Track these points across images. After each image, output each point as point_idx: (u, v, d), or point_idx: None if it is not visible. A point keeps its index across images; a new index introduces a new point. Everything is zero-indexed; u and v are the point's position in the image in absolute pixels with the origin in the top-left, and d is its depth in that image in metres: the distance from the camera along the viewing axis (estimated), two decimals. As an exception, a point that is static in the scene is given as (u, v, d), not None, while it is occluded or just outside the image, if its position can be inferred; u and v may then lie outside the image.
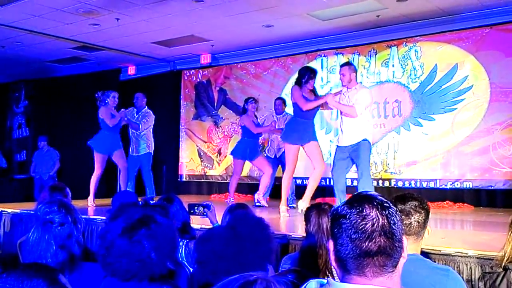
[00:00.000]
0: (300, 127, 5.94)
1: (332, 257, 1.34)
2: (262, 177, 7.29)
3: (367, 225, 1.28)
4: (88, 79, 10.88)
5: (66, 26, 7.85)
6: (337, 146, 5.90)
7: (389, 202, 1.34)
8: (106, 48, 9.12)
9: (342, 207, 1.34)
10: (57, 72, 11.17)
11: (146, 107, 7.82)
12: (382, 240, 1.28)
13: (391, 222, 1.30)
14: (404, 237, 1.34)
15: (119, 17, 7.39)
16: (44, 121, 11.39)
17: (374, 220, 1.28)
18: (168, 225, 1.84)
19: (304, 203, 5.81)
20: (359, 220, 1.29)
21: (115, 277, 1.69)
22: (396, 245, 1.30)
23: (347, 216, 1.31)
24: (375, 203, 1.31)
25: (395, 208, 1.34)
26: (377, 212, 1.29)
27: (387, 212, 1.30)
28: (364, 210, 1.30)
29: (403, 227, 1.35)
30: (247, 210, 2.95)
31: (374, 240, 1.27)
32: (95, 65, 10.53)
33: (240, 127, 7.83)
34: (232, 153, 7.72)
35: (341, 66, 5.91)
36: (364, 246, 1.27)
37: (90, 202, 7.28)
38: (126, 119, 7.53)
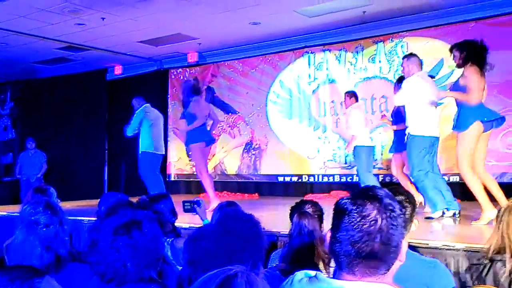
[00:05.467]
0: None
1: (328, 247, 1.33)
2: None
3: (364, 226, 1.25)
4: (75, 79, 10.82)
5: (51, 26, 7.78)
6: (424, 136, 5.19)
7: (395, 204, 1.30)
8: (92, 48, 9.06)
9: (347, 201, 1.31)
10: (43, 73, 11.08)
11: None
12: (376, 244, 1.25)
13: (391, 226, 1.26)
14: (403, 241, 1.30)
15: (105, 17, 7.34)
16: (31, 123, 11.29)
17: (372, 222, 1.25)
18: (153, 233, 1.79)
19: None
20: (357, 220, 1.26)
21: (97, 276, 1.68)
22: (391, 250, 1.26)
23: (348, 213, 1.28)
24: (379, 203, 1.27)
25: (400, 211, 1.29)
26: (378, 214, 1.26)
27: (389, 215, 1.26)
28: (365, 210, 1.27)
29: (404, 231, 1.31)
30: (237, 208, 2.95)
31: (367, 242, 1.24)
32: (81, 65, 10.46)
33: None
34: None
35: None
36: (357, 247, 1.25)
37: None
38: None
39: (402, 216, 1.30)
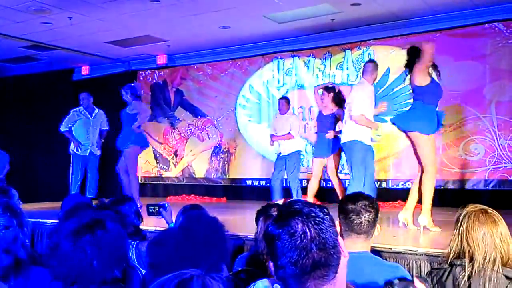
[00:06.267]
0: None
1: (274, 276, 1.33)
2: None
3: (297, 243, 1.26)
4: (40, 79, 10.59)
5: (17, 25, 7.60)
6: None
7: (315, 209, 1.32)
8: (59, 47, 8.89)
9: (273, 225, 1.32)
10: (7, 71, 10.81)
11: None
12: (315, 254, 1.26)
13: (320, 231, 1.28)
14: (338, 237, 1.33)
15: (72, 16, 7.22)
16: (-7, 122, 11.00)
17: (303, 235, 1.26)
18: (117, 232, 1.78)
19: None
20: (289, 240, 1.27)
21: (58, 280, 1.64)
22: (332, 252, 1.28)
23: (277, 238, 1.29)
24: (301, 216, 1.29)
25: (323, 213, 1.32)
26: (304, 225, 1.28)
27: (314, 221, 1.28)
28: (292, 227, 1.28)
29: (335, 229, 1.33)
30: (201, 211, 2.94)
31: (307, 256, 1.25)
32: (47, 64, 10.25)
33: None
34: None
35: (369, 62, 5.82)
36: (300, 265, 1.26)
37: None
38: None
39: (326, 216, 1.32)
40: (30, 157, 10.41)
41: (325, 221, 1.30)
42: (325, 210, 1.34)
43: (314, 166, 6.63)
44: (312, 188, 6.58)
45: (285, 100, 7.31)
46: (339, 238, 1.33)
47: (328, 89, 6.54)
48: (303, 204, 1.33)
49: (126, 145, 6.72)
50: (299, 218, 1.29)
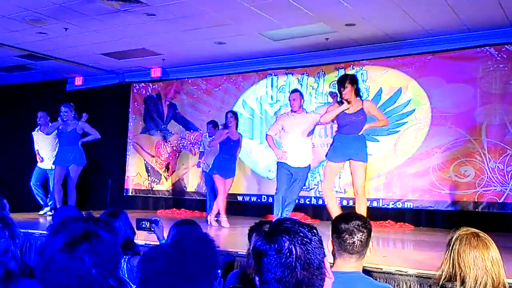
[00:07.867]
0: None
1: None
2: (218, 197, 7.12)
3: (282, 260, 1.28)
4: (33, 88, 10.56)
5: (11, 34, 7.60)
6: (281, 163, 6.12)
7: (304, 229, 1.34)
8: (53, 57, 8.88)
9: (261, 241, 1.34)
10: (1, 80, 10.76)
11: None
12: (299, 273, 1.28)
13: (306, 251, 1.30)
14: (325, 260, 1.34)
15: (68, 27, 7.23)
16: (-16, 131, 10.92)
17: (288, 253, 1.29)
18: (111, 240, 1.78)
19: None
20: (275, 257, 1.29)
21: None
22: (316, 273, 1.30)
23: (264, 253, 1.31)
24: (288, 235, 1.31)
25: (311, 234, 1.34)
26: (291, 244, 1.30)
27: (301, 241, 1.31)
28: (278, 244, 1.30)
29: (323, 251, 1.35)
30: (193, 225, 2.92)
31: (291, 274, 1.27)
32: (41, 74, 10.23)
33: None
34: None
35: (293, 92, 6.35)
36: (283, 282, 1.27)
37: None
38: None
39: (314, 237, 1.34)
40: (19, 167, 10.32)
41: (313, 242, 1.32)
42: (314, 231, 1.36)
43: (221, 185, 7.03)
44: (224, 205, 7.11)
45: (213, 123, 8.05)
46: (326, 260, 1.34)
47: (235, 114, 7.23)
48: (292, 223, 1.35)
49: (82, 162, 7.41)
50: (287, 236, 1.31)
